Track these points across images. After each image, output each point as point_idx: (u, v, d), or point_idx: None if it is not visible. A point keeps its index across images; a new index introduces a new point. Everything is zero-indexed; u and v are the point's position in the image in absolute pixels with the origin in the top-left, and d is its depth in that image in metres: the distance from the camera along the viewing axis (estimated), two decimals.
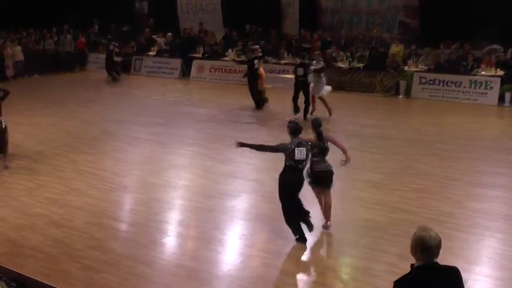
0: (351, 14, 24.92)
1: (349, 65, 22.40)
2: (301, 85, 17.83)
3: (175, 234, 10.01)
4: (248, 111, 19.12)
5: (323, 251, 9.19)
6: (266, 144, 10.10)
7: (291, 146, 9.25)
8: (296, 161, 9.26)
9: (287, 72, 23.04)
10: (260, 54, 20.10)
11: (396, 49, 21.92)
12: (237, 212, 10.85)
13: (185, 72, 26.09)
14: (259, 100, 19.72)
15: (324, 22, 25.62)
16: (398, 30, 23.69)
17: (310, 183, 9.90)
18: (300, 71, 17.75)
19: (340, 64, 22.63)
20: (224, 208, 10.97)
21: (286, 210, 9.39)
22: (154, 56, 27.34)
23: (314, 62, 18.05)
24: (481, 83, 20.00)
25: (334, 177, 9.95)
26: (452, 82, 20.42)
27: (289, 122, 9.75)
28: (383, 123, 17.09)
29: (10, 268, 7.08)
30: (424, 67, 21.33)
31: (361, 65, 22.25)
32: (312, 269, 8.70)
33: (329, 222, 9.90)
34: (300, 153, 9.26)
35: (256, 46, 21.01)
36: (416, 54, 21.92)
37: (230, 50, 25.22)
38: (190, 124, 17.49)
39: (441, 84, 20.60)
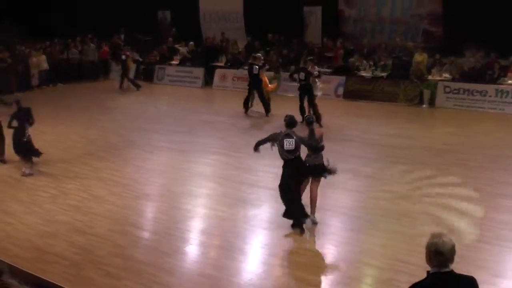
0: (373, 22, 24.84)
1: (372, 74, 22.33)
2: (305, 87, 18.37)
3: (197, 243, 10.04)
4: (270, 119, 19.11)
5: (346, 262, 9.12)
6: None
7: (280, 136, 10.04)
8: (286, 152, 10.00)
9: None
10: (262, 63, 20.39)
11: (419, 57, 21.79)
12: (259, 221, 10.84)
13: (208, 81, 26.15)
14: (266, 107, 20.07)
15: (346, 30, 25.58)
16: (421, 39, 23.54)
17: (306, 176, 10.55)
18: (302, 75, 18.32)
19: (363, 73, 22.57)
20: (246, 217, 10.97)
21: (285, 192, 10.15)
22: (177, 65, 27.46)
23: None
24: (507, 92, 19.80)
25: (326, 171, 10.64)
26: (477, 91, 20.25)
27: (286, 116, 10.33)
28: (407, 132, 16.99)
29: (35, 274, 7.15)
30: (448, 76, 21.20)
31: (384, 74, 22.16)
32: (335, 280, 8.64)
33: (314, 216, 10.44)
34: (288, 143, 9.96)
35: (258, 54, 21.22)
36: (440, 63, 21.78)
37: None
38: (212, 132, 17.54)
39: (466, 93, 20.43)
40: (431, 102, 20.88)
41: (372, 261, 9.08)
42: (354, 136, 16.44)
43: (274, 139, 10.23)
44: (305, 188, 10.66)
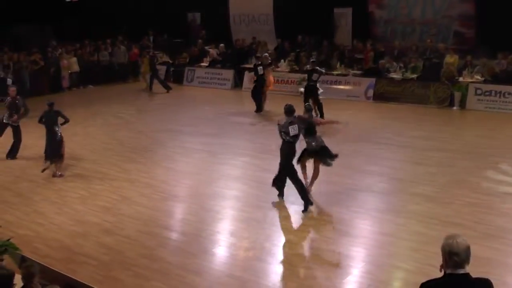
0: (404, 24, 24.68)
1: (402, 76, 22.16)
2: (312, 89, 19.01)
3: (226, 244, 10.05)
4: None
5: (376, 264, 9.07)
6: None
7: (285, 124, 11.37)
8: (292, 137, 11.41)
9: (340, 83, 22.98)
10: (269, 62, 21.08)
11: (450, 59, 21.58)
12: (288, 223, 10.83)
13: (237, 83, 26.18)
14: (259, 105, 20.74)
15: (377, 32, 25.44)
16: (453, 40, 23.32)
17: (304, 158, 12.09)
18: (315, 76, 19.13)
19: (393, 75, 22.40)
20: (276, 219, 10.96)
21: (291, 173, 11.44)
22: (207, 67, 27.52)
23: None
24: None
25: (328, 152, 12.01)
26: (509, 93, 19.96)
27: (285, 105, 11.68)
28: (437, 135, 16.84)
29: (65, 274, 7.22)
30: (480, 78, 20.96)
31: (414, 76, 21.98)
32: (364, 283, 8.58)
33: (311, 187, 11.99)
34: (293, 129, 11.41)
35: (266, 54, 21.87)
36: (471, 65, 21.55)
37: (282, 60, 25.22)
38: (242, 134, 17.56)
39: (498, 95, 20.18)
40: (462, 104, 20.65)
41: (402, 265, 9.01)
42: (385, 139, 16.33)
43: (281, 129, 11.52)
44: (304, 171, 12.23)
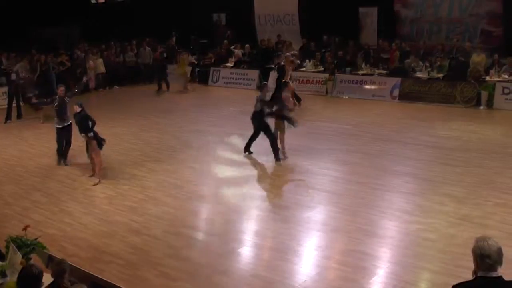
0: (430, 23, 24.51)
1: (428, 75, 22.00)
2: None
3: (252, 244, 10.05)
4: (326, 121, 19.02)
5: (402, 266, 9.00)
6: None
7: (257, 98, 15.02)
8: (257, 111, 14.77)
9: (365, 83, 22.89)
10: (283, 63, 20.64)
11: (477, 58, 21.38)
12: (313, 223, 10.80)
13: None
14: None
15: (403, 32, 25.30)
16: (480, 39, 23.11)
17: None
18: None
19: (419, 74, 22.25)
20: (300, 219, 10.94)
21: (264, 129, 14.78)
22: (232, 67, 27.56)
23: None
24: None
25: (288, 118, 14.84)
26: None
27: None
28: (464, 135, 16.70)
29: (92, 273, 7.26)
30: (507, 77, 20.73)
31: (440, 75, 21.82)
32: (390, 283, 8.53)
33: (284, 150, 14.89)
34: (257, 106, 14.73)
35: (288, 54, 21.50)
36: (498, 64, 21.32)
37: (307, 60, 25.17)
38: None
39: None
40: (489, 104, 20.43)
41: (428, 266, 8.94)
42: (411, 139, 16.23)
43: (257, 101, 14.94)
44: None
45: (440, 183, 12.50)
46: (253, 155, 15.27)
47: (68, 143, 15.21)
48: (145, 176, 13.91)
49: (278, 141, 14.84)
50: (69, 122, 14.94)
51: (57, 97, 15.10)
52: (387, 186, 12.50)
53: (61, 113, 14.95)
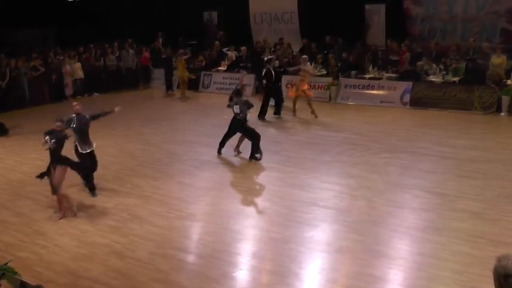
0: (444, 21, 24.60)
1: (443, 79, 22.07)
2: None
3: (248, 268, 10.04)
4: (329, 131, 19.07)
5: None
6: None
7: (231, 104, 16.29)
8: (235, 113, 16.11)
9: (372, 88, 22.98)
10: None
11: (497, 60, 21.42)
12: (316, 243, 10.79)
13: (259, 88, 26.16)
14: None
15: (413, 31, 25.40)
16: (499, 39, 23.19)
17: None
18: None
19: (432, 78, 22.34)
20: (302, 239, 10.94)
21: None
22: (225, 71, 27.59)
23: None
24: None
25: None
26: None
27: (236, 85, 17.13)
28: (483, 144, 16.73)
29: None
30: None
31: (456, 79, 21.88)
32: None
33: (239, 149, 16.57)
34: (236, 109, 16.03)
35: (270, 57, 22.67)
36: None
37: (308, 63, 25.21)
38: (265, 145, 17.49)
39: None
40: (510, 110, 20.51)
41: None
42: (424, 149, 16.27)
43: (231, 107, 16.37)
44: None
45: (456, 197, 12.52)
46: (249, 169, 15.28)
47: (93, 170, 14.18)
48: (128, 192, 13.90)
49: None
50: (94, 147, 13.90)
51: (74, 116, 13.71)
52: (397, 201, 12.51)
53: (82, 134, 13.71)
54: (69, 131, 13.32)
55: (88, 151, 13.79)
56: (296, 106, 21.29)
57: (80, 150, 13.67)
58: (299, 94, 21.05)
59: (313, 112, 20.62)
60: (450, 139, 17.33)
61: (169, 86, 27.33)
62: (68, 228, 11.91)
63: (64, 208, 12.60)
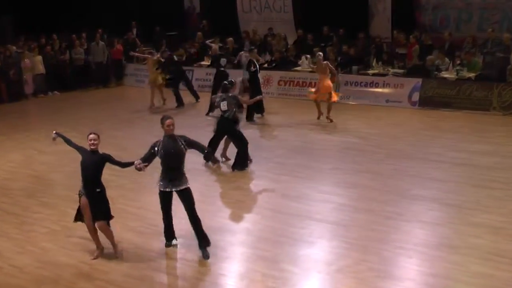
0: (459, 10, 24.68)
1: (457, 75, 22.12)
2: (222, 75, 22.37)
3: None
4: (328, 134, 19.10)
5: None
6: None
7: (218, 100, 16.08)
8: (223, 111, 15.88)
9: (377, 85, 23.01)
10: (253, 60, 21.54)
11: None
12: (312, 263, 10.80)
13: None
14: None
15: (423, 21, 25.49)
16: None
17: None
18: (223, 61, 23.10)
19: (445, 74, 22.39)
20: (296, 258, 10.94)
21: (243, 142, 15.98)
22: (208, 66, 27.49)
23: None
24: None
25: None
26: None
27: (223, 83, 16.78)
28: (502, 149, 16.80)
29: None
30: None
31: (472, 74, 21.94)
32: None
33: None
34: (223, 105, 15.84)
35: (252, 47, 22.77)
36: None
37: (303, 57, 25.24)
38: (255, 151, 17.49)
39: None
40: None
41: None
42: (435, 155, 16.31)
43: (215, 104, 16.46)
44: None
45: (472, 210, 12.56)
46: (237, 178, 15.26)
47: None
48: None
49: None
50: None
51: (160, 140, 11.70)
52: (405, 214, 12.54)
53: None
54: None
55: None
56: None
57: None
58: (321, 97, 20.69)
59: (328, 115, 20.52)
60: (465, 144, 17.38)
61: (195, 94, 25.80)
62: (27, 245, 11.84)
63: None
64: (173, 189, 11.23)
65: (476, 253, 10.75)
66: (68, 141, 12.03)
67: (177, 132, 11.19)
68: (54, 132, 12.10)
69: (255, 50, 22.52)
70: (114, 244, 11.27)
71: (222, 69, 22.46)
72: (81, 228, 12.48)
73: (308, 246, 11.38)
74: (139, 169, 11.08)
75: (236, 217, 13.02)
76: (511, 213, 12.43)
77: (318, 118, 20.74)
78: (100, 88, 28.23)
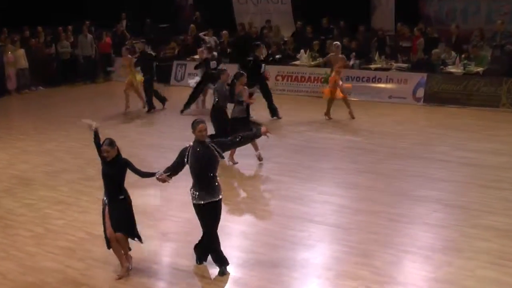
0: (466, 1, 24.69)
1: (464, 69, 22.13)
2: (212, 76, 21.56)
3: None
4: (328, 132, 19.12)
5: None
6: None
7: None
8: (214, 101, 16.95)
9: (379, 81, 23.03)
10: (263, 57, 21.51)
11: None
12: (312, 268, 10.81)
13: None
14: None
15: (428, 12, 25.50)
16: None
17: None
18: (214, 64, 22.68)
19: (451, 69, 22.40)
20: (295, 263, 10.94)
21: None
22: (195, 68, 27.44)
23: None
24: None
25: None
26: None
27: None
28: (511, 148, 16.82)
29: None
30: None
31: (480, 69, 21.95)
32: None
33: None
34: (215, 95, 16.88)
35: (258, 42, 22.51)
36: None
37: (302, 51, 25.25)
38: (250, 150, 17.53)
39: None
40: None
41: None
42: (441, 154, 16.33)
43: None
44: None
45: (479, 212, 12.57)
46: (233, 179, 15.27)
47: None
48: (86, 206, 13.85)
49: None
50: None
51: (190, 146, 11.13)
52: (408, 216, 12.55)
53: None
54: None
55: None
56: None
57: None
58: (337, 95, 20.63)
59: (350, 112, 20.51)
60: (473, 142, 17.40)
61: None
62: (11, 250, 11.82)
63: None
64: (209, 200, 10.52)
65: (483, 257, 10.76)
66: (98, 143, 11.35)
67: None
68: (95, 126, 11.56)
69: (262, 45, 22.40)
70: (122, 263, 10.82)
71: (213, 71, 22.24)
72: (67, 231, 12.52)
73: (307, 249, 11.39)
74: (163, 181, 10.72)
75: (232, 220, 12.99)
76: None
77: (329, 117, 20.79)
78: (87, 83, 28.20)
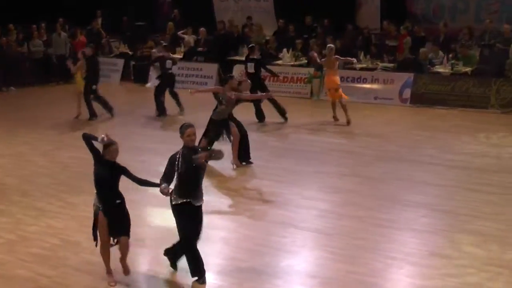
0: None
1: (452, 69, 22.24)
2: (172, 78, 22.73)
3: None
4: (311, 134, 19.14)
5: None
6: None
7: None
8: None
9: (364, 81, 23.10)
10: (258, 56, 21.43)
11: None
12: (295, 274, 10.82)
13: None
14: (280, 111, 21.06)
15: (415, 10, 25.61)
16: None
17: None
18: (169, 63, 22.69)
19: (439, 69, 22.50)
20: (278, 270, 10.95)
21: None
22: (181, 59, 27.47)
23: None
24: None
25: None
26: None
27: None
28: (501, 150, 16.91)
29: None
30: None
31: (468, 69, 22.05)
32: None
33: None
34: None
35: (252, 45, 22.29)
36: None
37: (285, 50, 25.27)
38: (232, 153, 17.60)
39: None
40: None
41: None
42: (428, 157, 16.40)
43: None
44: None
45: (468, 216, 12.63)
46: (215, 183, 15.26)
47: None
48: (60, 212, 13.81)
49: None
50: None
51: (179, 152, 10.98)
52: (395, 222, 12.59)
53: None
54: None
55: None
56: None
57: None
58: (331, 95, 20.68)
59: (335, 116, 20.63)
60: (461, 145, 17.49)
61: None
62: None
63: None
64: (190, 200, 10.44)
65: (473, 263, 10.80)
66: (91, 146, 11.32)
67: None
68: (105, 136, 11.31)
69: (257, 47, 22.25)
70: (125, 266, 10.87)
71: (170, 71, 22.31)
72: (40, 238, 12.47)
73: (290, 256, 11.40)
74: (166, 194, 10.56)
75: (212, 226, 12.95)
76: (509, 219, 12.52)
77: (335, 119, 20.76)
78: (61, 84, 28.10)
